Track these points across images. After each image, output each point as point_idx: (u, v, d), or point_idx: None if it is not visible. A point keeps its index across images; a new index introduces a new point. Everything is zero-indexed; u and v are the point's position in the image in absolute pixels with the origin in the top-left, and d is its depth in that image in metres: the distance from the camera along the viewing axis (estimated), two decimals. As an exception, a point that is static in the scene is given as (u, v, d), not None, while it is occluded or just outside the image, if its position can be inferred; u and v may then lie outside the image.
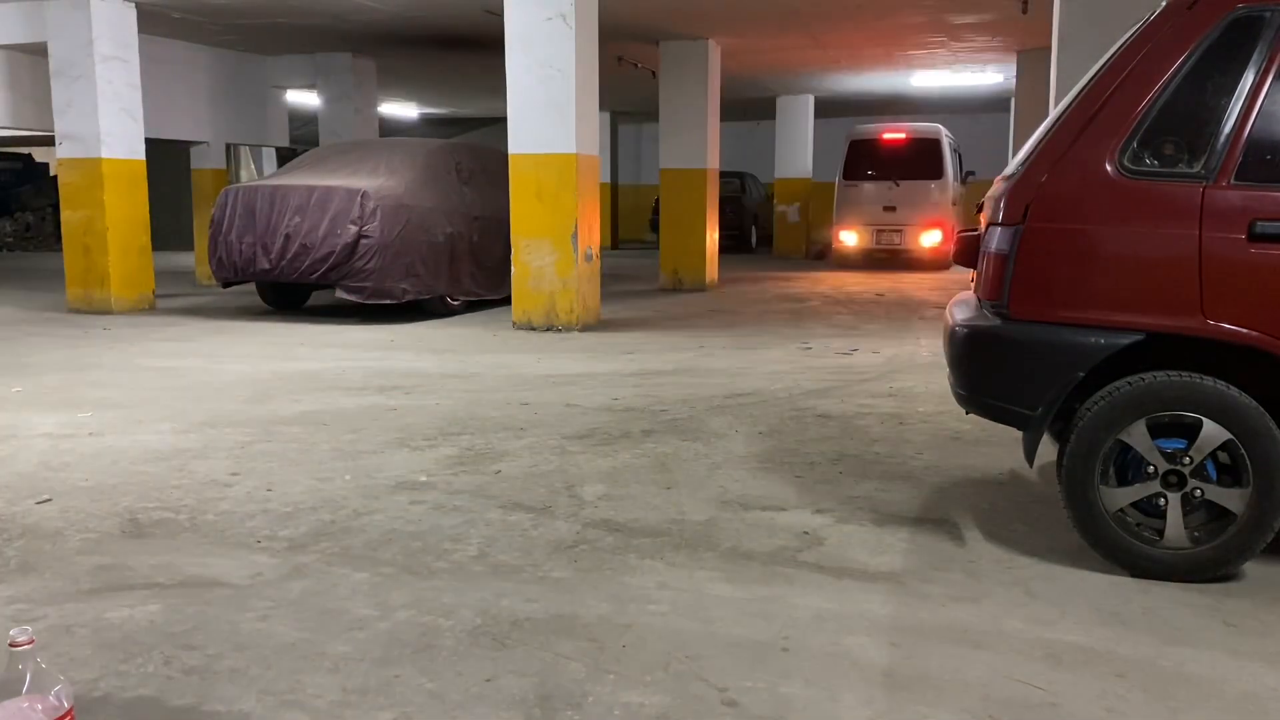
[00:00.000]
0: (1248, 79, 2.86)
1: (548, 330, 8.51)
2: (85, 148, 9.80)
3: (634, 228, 23.34)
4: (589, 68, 8.60)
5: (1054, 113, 3.36)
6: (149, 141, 10.42)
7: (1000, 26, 11.96)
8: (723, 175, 15.99)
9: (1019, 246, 3.04)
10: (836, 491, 3.97)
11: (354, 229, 8.64)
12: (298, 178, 9.39)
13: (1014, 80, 14.29)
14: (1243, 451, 2.88)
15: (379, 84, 14.57)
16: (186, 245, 14.88)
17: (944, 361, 3.48)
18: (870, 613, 2.81)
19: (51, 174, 21.34)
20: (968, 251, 3.50)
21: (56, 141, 9.95)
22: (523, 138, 8.50)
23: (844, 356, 7.37)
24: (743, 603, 2.87)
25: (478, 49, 12.56)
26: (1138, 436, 2.96)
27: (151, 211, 10.46)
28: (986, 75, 16.05)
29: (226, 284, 9.48)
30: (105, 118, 9.76)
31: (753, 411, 5.41)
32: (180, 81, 12.63)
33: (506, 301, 9.25)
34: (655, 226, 17.56)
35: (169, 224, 15.82)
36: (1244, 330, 2.86)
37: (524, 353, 7.44)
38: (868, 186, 15.38)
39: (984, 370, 3.22)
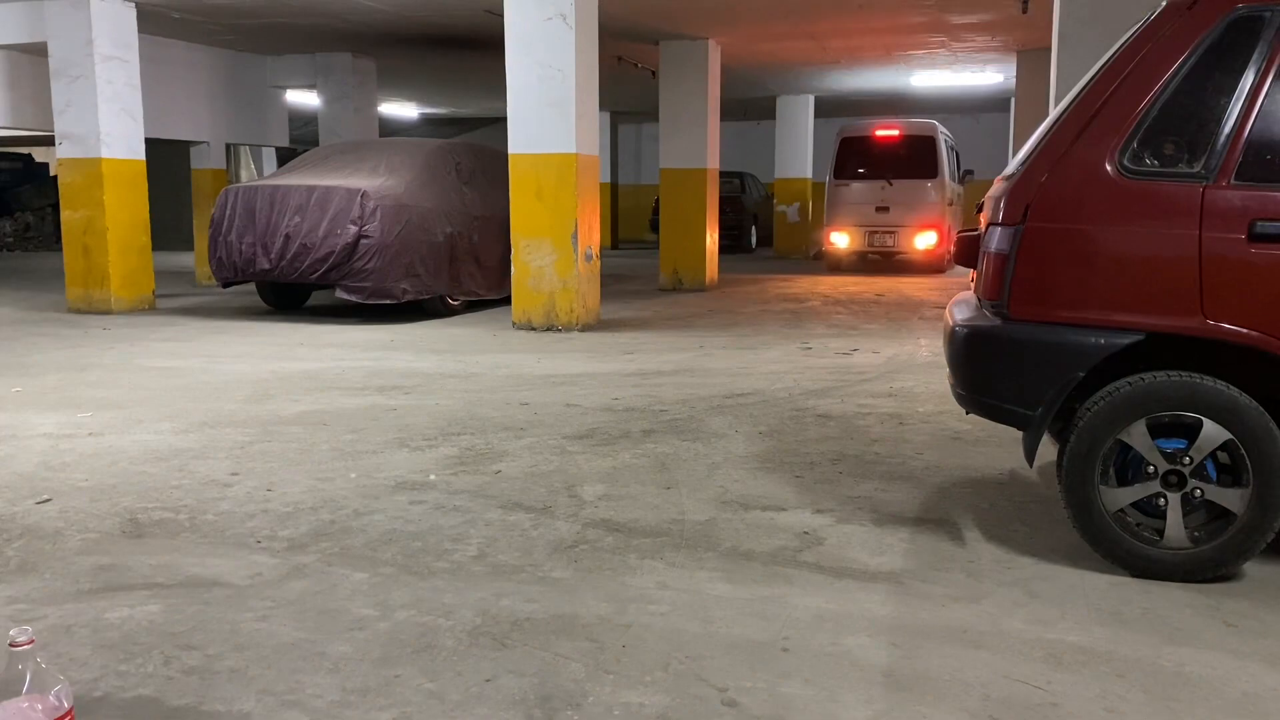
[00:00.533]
0: (1248, 79, 2.86)
1: (548, 330, 8.51)
2: (85, 148, 9.80)
3: (634, 228, 23.35)
4: (589, 68, 8.60)
5: (1054, 113, 3.36)
6: (149, 141, 10.43)
7: (1000, 26, 11.96)
8: (723, 175, 16.00)
9: (1019, 246, 3.04)
10: (836, 491, 3.97)
11: (354, 229, 8.64)
12: (298, 178, 9.39)
13: (1014, 80, 14.29)
14: (1243, 451, 2.88)
15: (379, 84, 14.58)
16: (186, 245, 14.88)
17: (944, 361, 3.48)
18: (870, 613, 2.81)
19: (51, 174, 21.36)
20: (968, 251, 3.50)
21: (56, 141, 9.95)
22: (523, 138, 8.50)
23: (844, 356, 7.37)
24: (743, 603, 2.87)
25: (478, 49, 12.56)
26: (1138, 436, 2.96)
27: (151, 211, 10.46)
28: (986, 75, 16.05)
29: (226, 284, 9.48)
30: (105, 118, 9.77)
31: (753, 411, 5.41)
32: (180, 81, 12.64)
33: (506, 301, 9.25)
34: (655, 226, 17.56)
35: (169, 224, 15.82)
36: (1244, 330, 2.86)
37: (524, 353, 7.44)
38: (859, 186, 14.67)
39: (984, 370, 3.22)
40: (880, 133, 14.77)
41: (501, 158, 9.60)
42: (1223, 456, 2.93)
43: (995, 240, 3.13)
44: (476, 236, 9.77)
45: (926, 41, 13.09)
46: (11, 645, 1.91)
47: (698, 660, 2.51)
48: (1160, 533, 2.99)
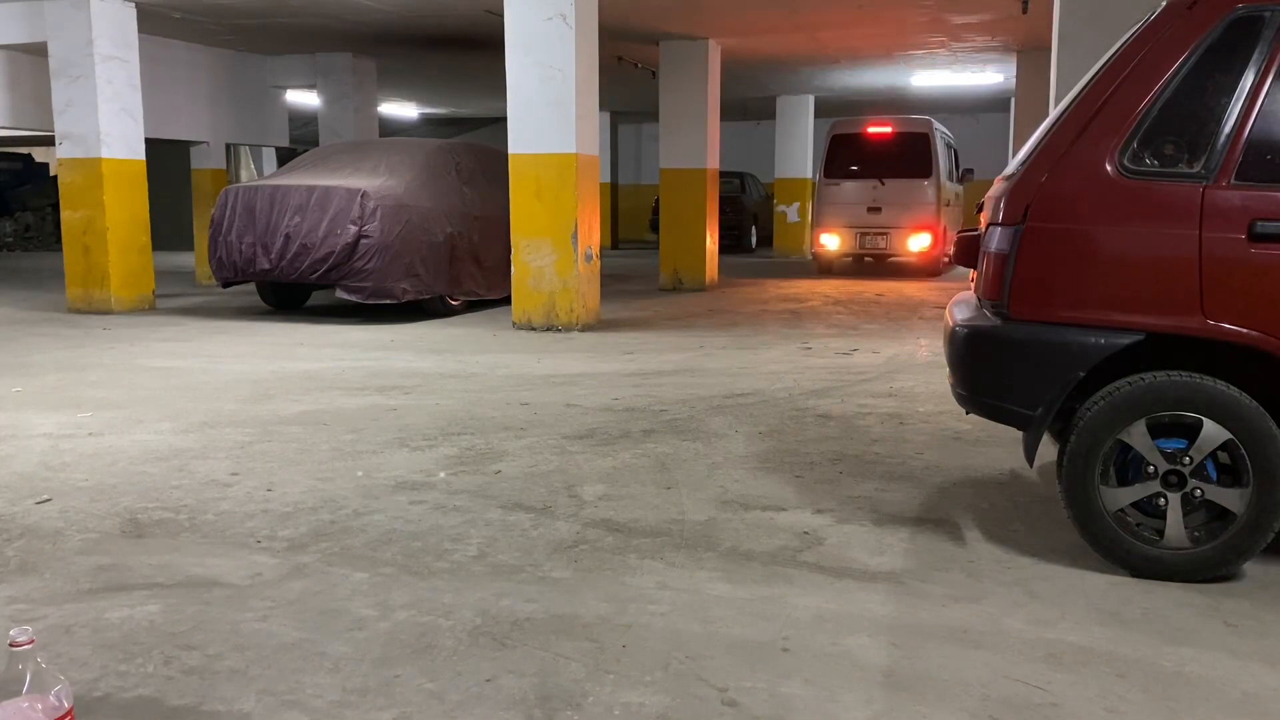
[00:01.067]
0: (1248, 79, 2.86)
1: (548, 330, 8.51)
2: (85, 148, 9.81)
3: (634, 228, 23.35)
4: (589, 68, 8.61)
5: (1054, 113, 3.36)
6: (149, 141, 10.43)
7: (1000, 26, 11.96)
8: (722, 175, 15.97)
9: (1019, 246, 3.04)
10: (836, 491, 3.97)
11: (354, 229, 8.64)
12: (298, 178, 9.39)
13: (1014, 80, 14.29)
14: (1243, 451, 2.88)
15: (379, 84, 14.57)
16: (186, 245, 14.88)
17: (944, 361, 3.48)
18: (870, 613, 2.81)
19: (51, 174, 21.36)
20: (968, 251, 3.50)
21: (56, 141, 9.95)
22: (523, 138, 8.50)
23: (844, 356, 7.37)
24: (743, 603, 2.87)
25: (478, 49, 12.56)
26: (1138, 436, 2.96)
27: (151, 211, 10.46)
28: (986, 75, 16.04)
29: (226, 284, 9.48)
30: (105, 118, 9.77)
31: (753, 411, 5.41)
32: (180, 81, 12.64)
33: (506, 301, 9.25)
34: (655, 226, 17.54)
35: (169, 224, 15.81)
36: (1244, 330, 2.86)
37: (524, 353, 7.44)
38: (850, 185, 13.98)
39: (984, 370, 3.22)
40: (873, 130, 14.11)
41: (501, 158, 9.60)
42: (1223, 456, 2.93)
43: (995, 240, 3.13)
44: (476, 236, 9.77)
45: (926, 41, 13.09)
46: (11, 645, 1.91)
47: (698, 660, 2.51)
48: (1160, 533, 2.99)
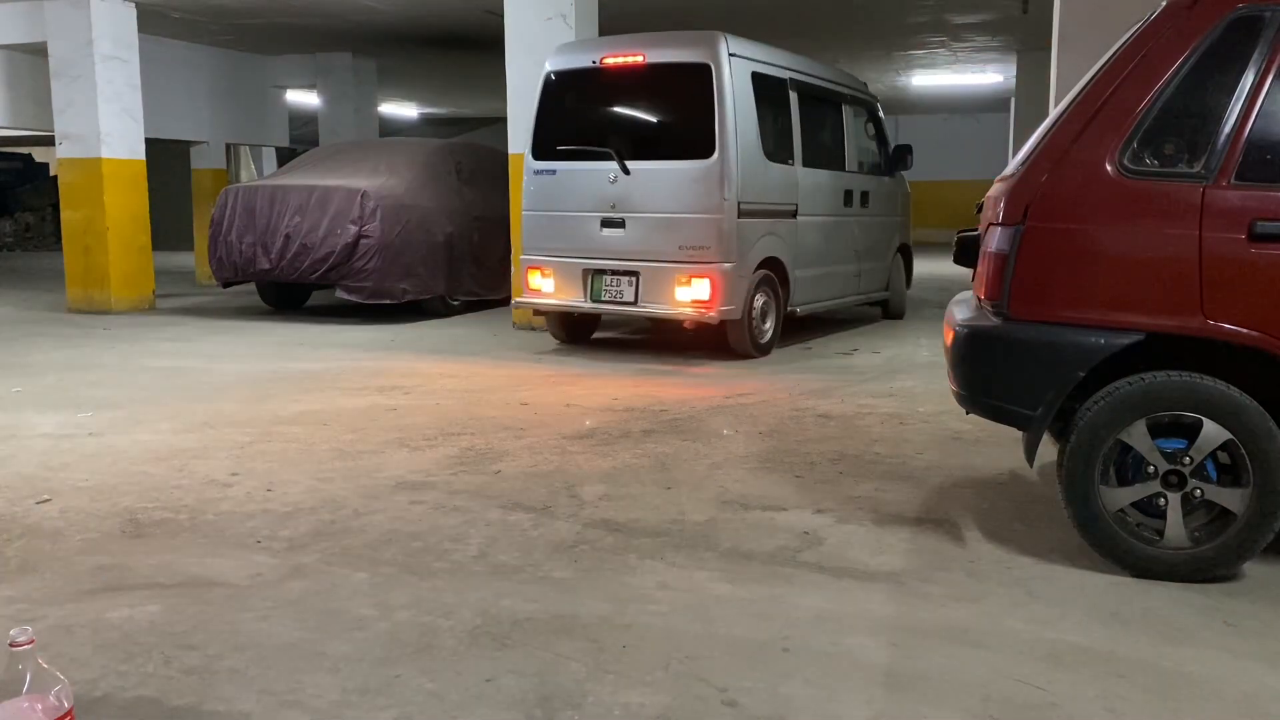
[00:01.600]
0: (1248, 79, 2.86)
1: (548, 330, 8.50)
2: (85, 148, 9.81)
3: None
4: (587, 67, 8.44)
5: (1054, 113, 3.36)
6: (149, 141, 10.43)
7: (1000, 26, 11.97)
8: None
9: (1019, 246, 3.04)
10: (836, 491, 3.97)
11: (354, 229, 8.64)
12: (298, 178, 9.39)
13: (1014, 80, 14.29)
14: (1243, 451, 2.88)
15: (379, 84, 14.57)
16: (186, 245, 14.88)
17: (944, 361, 3.48)
18: (870, 613, 2.81)
19: (51, 174, 21.36)
20: (968, 251, 3.50)
21: (56, 141, 9.95)
22: (523, 137, 8.48)
23: (844, 356, 7.37)
24: (743, 603, 2.87)
25: (478, 49, 12.56)
26: (1138, 436, 2.96)
27: (151, 211, 10.46)
28: (986, 75, 16.05)
29: (226, 284, 9.48)
30: (105, 118, 9.77)
31: (753, 411, 5.41)
32: (180, 81, 12.64)
33: (506, 302, 9.25)
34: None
35: (169, 224, 15.81)
36: (1244, 330, 2.86)
37: (524, 353, 7.44)
38: (571, 175, 7.27)
39: (984, 370, 3.22)
40: (615, 62, 7.19)
41: (501, 158, 9.60)
42: (1223, 456, 2.93)
43: (995, 240, 3.13)
44: (476, 237, 9.76)
45: (926, 41, 13.09)
46: (11, 645, 1.91)
47: (698, 660, 2.51)
48: (1160, 533, 2.99)
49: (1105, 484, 3.02)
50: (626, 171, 6.96)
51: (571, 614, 2.78)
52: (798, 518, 3.64)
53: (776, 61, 7.53)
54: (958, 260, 3.59)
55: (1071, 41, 6.26)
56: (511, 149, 8.55)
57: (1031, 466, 3.50)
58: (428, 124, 23.53)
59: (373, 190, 8.77)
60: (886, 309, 9.53)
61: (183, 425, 5.07)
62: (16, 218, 21.53)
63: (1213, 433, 2.89)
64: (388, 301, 8.93)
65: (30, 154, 23.39)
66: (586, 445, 4.66)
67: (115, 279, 9.95)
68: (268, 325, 9.07)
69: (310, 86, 14.05)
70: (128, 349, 7.64)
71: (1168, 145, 2.96)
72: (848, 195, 8.29)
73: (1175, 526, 2.96)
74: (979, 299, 3.35)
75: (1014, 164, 3.33)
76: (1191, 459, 2.92)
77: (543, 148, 7.43)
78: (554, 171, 7.38)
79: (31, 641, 1.91)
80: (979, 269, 3.37)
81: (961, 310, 3.42)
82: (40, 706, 1.90)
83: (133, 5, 10.03)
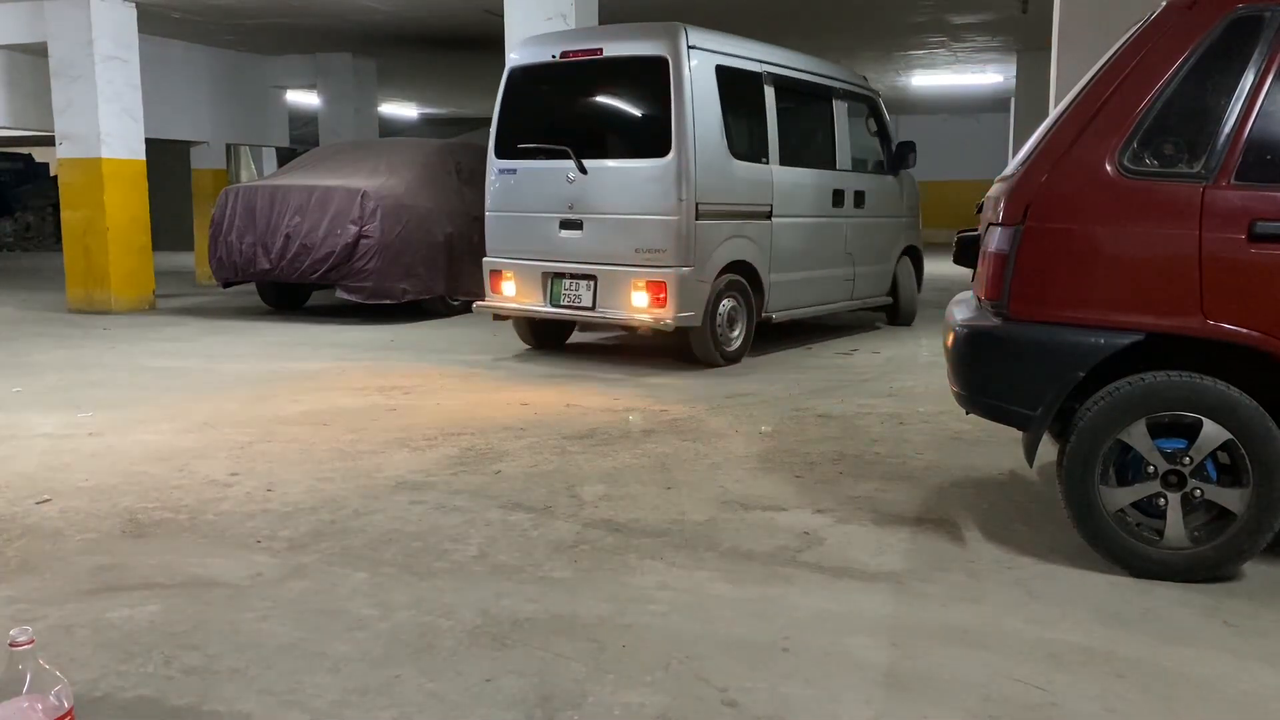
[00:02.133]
0: (1248, 79, 2.86)
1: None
2: (85, 148, 9.81)
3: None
4: (587, 67, 8.41)
5: (1054, 113, 3.36)
6: (149, 141, 10.43)
7: (1000, 26, 11.97)
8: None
9: (1019, 246, 3.04)
10: (836, 491, 3.97)
11: (354, 229, 8.64)
12: (298, 178, 9.40)
13: (1014, 80, 14.29)
14: (1243, 451, 2.88)
15: (379, 84, 14.57)
16: (186, 245, 14.88)
17: (944, 361, 3.48)
18: (870, 613, 2.81)
19: (51, 174, 21.35)
20: (968, 251, 3.51)
21: (56, 141, 9.96)
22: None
23: (844, 356, 7.37)
24: (743, 603, 2.87)
25: (478, 49, 12.56)
26: (1138, 436, 2.96)
27: (151, 211, 10.46)
28: (986, 75, 16.06)
29: (226, 284, 9.49)
30: (105, 118, 9.77)
31: (753, 411, 5.41)
32: (180, 81, 12.64)
33: (506, 301, 9.23)
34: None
35: (169, 224, 15.82)
36: (1244, 330, 2.86)
37: (524, 352, 7.44)
38: (534, 175, 7.02)
39: (984, 370, 3.22)
40: (572, 54, 6.91)
41: (501, 158, 9.58)
42: (1223, 456, 2.93)
43: (995, 240, 3.13)
44: (476, 237, 9.71)
45: (926, 41, 13.10)
46: (11, 645, 1.91)
47: (698, 660, 2.51)
48: (1160, 533, 2.99)
49: (1105, 484, 3.02)
50: (583, 170, 6.67)
51: (571, 614, 2.78)
52: (798, 518, 3.64)
53: (748, 55, 7.09)
54: (958, 260, 3.59)
55: (1071, 41, 6.26)
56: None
57: (1031, 466, 3.51)
58: (428, 124, 23.53)
59: (373, 190, 8.78)
60: (894, 315, 8.96)
61: (183, 425, 5.07)
62: (16, 218, 21.53)
63: (1212, 433, 2.89)
64: (388, 302, 8.93)
65: (30, 154, 23.39)
66: (586, 445, 4.66)
67: (115, 279, 9.96)
68: (268, 325, 9.06)
69: (310, 86, 14.05)
70: (128, 349, 7.64)
71: (1168, 145, 2.96)
72: (838, 195, 7.81)
73: (1175, 526, 2.96)
74: (979, 299, 3.35)
75: (1014, 164, 3.33)
76: (1191, 459, 2.92)
77: (504, 146, 7.17)
78: (515, 171, 7.12)
79: (31, 641, 1.92)
80: (979, 269, 3.37)
81: (961, 310, 3.42)
82: (40, 706, 1.90)
83: (133, 5, 10.03)
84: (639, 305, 6.51)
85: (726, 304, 6.78)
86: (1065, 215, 3.01)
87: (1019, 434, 3.35)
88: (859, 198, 8.07)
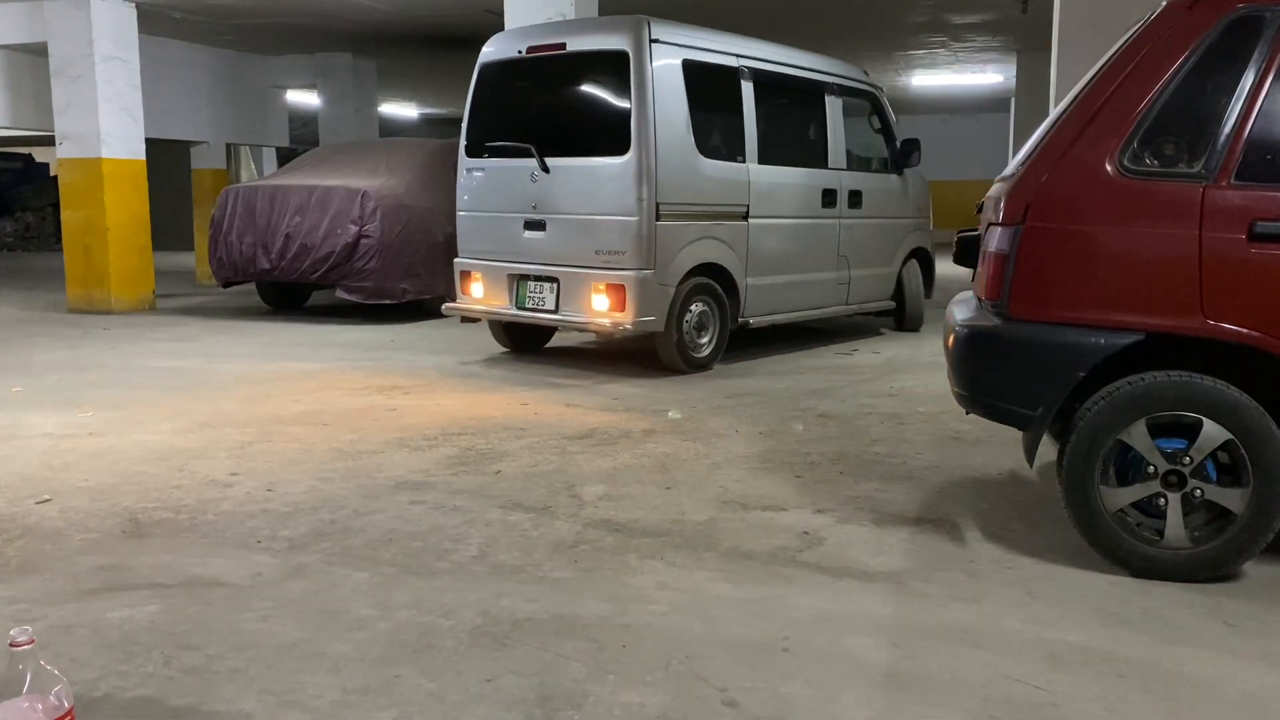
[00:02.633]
0: (1248, 79, 2.86)
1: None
2: (85, 148, 9.81)
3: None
4: (587, 67, 8.39)
5: (1054, 113, 3.36)
6: (149, 141, 10.43)
7: (1000, 26, 11.97)
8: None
9: (1019, 246, 3.04)
10: (836, 491, 3.97)
11: (354, 229, 8.65)
12: (298, 178, 9.40)
13: (1014, 80, 14.29)
14: (1243, 451, 2.88)
15: (379, 84, 14.57)
16: (186, 245, 14.88)
17: (944, 361, 3.48)
18: (870, 613, 2.81)
19: (51, 174, 21.36)
20: (968, 251, 3.51)
21: (56, 141, 9.96)
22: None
23: (844, 356, 7.37)
24: (743, 603, 2.87)
25: (478, 49, 12.52)
26: (1138, 436, 2.96)
27: (151, 211, 10.46)
28: (986, 75, 16.06)
29: (226, 284, 9.48)
30: (105, 118, 9.77)
31: (753, 411, 5.41)
32: (180, 81, 12.64)
33: (506, 301, 9.23)
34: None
35: (169, 224, 15.82)
36: (1244, 330, 2.86)
37: (524, 352, 7.44)
38: (499, 174, 6.88)
39: (984, 370, 3.22)
40: (536, 49, 6.72)
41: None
42: (1223, 456, 2.93)
43: (995, 240, 3.13)
44: (476, 236, 9.75)
45: (926, 41, 13.10)
46: (11, 645, 1.91)
47: (698, 660, 2.51)
48: (1160, 533, 2.99)
49: (1105, 484, 3.02)
50: (545, 169, 6.48)
51: (571, 614, 2.78)
52: (798, 518, 3.64)
53: (723, 49, 6.78)
54: (958, 260, 3.59)
55: (1071, 41, 6.26)
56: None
57: (1031, 466, 3.51)
58: (428, 124, 23.53)
59: (373, 190, 8.78)
60: (900, 320, 8.56)
61: (183, 425, 5.07)
62: (16, 218, 21.52)
63: (1213, 433, 2.89)
64: (388, 301, 8.93)
65: (30, 154, 23.39)
66: (586, 445, 4.66)
67: (115, 279, 9.96)
68: (268, 325, 9.06)
69: (310, 86, 14.05)
70: (128, 349, 7.64)
71: (1168, 145, 2.96)
72: (829, 195, 7.46)
73: (1175, 526, 2.96)
74: (979, 299, 3.35)
75: (1014, 164, 3.33)
76: (1191, 459, 2.92)
77: (474, 144, 7.06)
78: (483, 170, 7.01)
79: (31, 641, 1.92)
80: (979, 269, 3.37)
81: (961, 310, 3.42)
82: (40, 706, 1.90)
83: (133, 5, 10.03)
84: (599, 309, 6.30)
85: (696, 308, 6.52)
86: (1065, 215, 3.01)
87: (1019, 434, 3.35)
88: (855, 198, 7.73)
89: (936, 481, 4.12)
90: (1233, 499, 2.91)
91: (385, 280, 8.77)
